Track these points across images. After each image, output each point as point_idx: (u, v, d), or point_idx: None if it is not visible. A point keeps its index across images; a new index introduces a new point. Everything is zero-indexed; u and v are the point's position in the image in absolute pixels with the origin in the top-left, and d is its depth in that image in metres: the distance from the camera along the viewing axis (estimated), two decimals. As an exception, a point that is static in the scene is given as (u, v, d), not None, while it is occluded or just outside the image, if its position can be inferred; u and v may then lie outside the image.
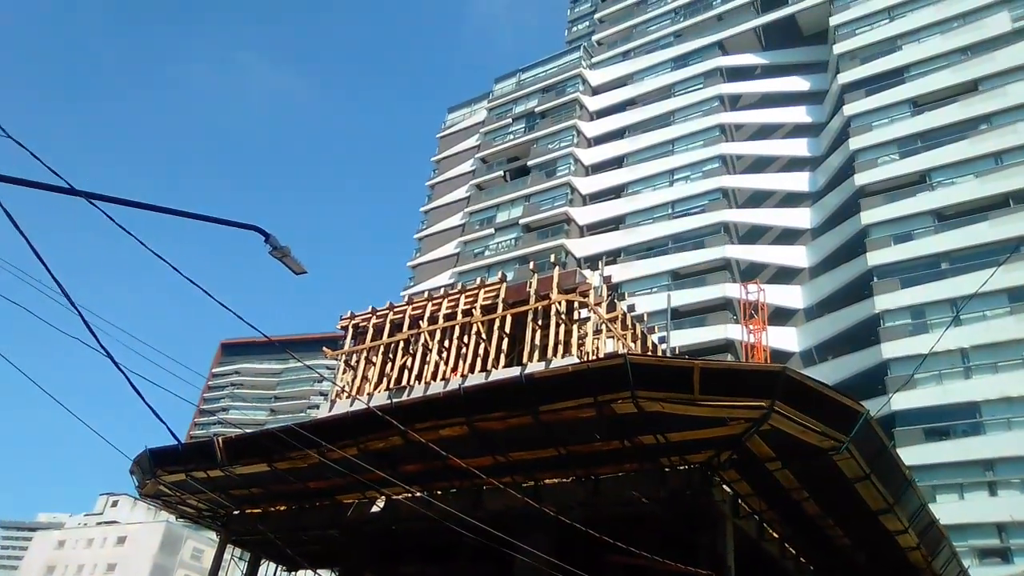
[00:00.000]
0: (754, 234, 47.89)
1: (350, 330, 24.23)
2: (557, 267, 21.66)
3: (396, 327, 23.02)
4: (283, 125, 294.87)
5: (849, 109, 45.19)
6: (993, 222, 37.31)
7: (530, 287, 21.20)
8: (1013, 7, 42.73)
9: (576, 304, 20.69)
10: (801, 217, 46.30)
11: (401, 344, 22.56)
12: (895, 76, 44.96)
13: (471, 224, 58.87)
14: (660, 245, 48.56)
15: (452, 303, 22.38)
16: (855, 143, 43.77)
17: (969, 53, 42.99)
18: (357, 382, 22.37)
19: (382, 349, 22.75)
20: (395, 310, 23.46)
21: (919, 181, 41.00)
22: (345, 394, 21.69)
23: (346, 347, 23.94)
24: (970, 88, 41.99)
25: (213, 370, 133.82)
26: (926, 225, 39.48)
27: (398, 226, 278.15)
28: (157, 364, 11.23)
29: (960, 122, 41.17)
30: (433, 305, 22.70)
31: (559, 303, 20.38)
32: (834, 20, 49.60)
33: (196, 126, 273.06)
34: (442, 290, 23.83)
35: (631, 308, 24.03)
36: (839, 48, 48.11)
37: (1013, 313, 34.68)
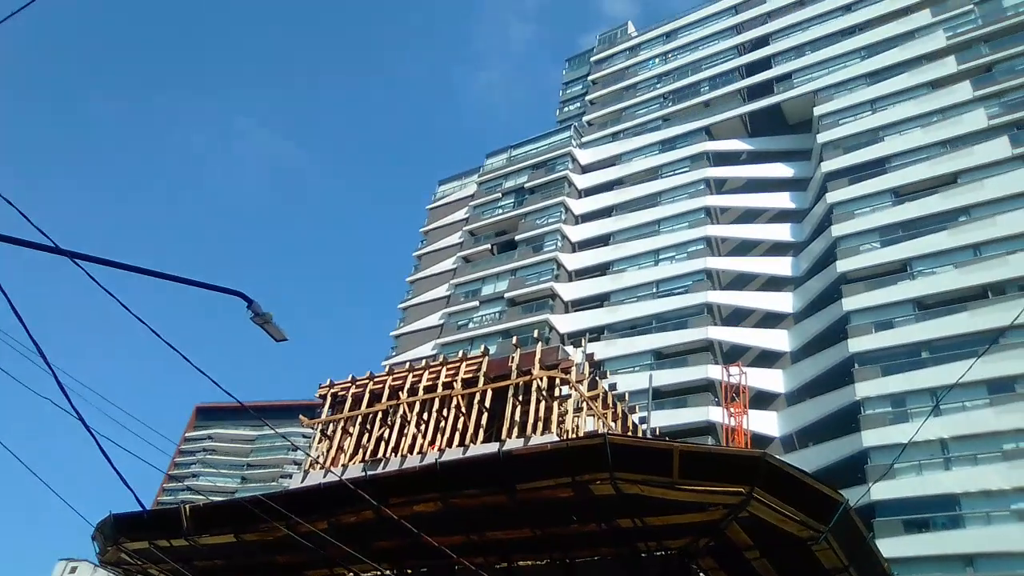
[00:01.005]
0: (737, 316, 48.19)
1: (329, 399, 23.90)
2: (540, 343, 21.59)
3: (375, 397, 22.73)
4: (276, 192, 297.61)
5: (832, 196, 46.16)
6: (973, 312, 37.73)
7: (512, 362, 21.06)
8: (989, 105, 44.25)
9: (558, 381, 20.55)
10: (784, 301, 46.71)
11: (379, 415, 22.24)
12: (877, 166, 46.11)
13: (456, 296, 58.98)
14: (644, 324, 48.72)
15: (433, 375, 22.18)
16: (837, 230, 44.54)
17: (948, 147, 44.26)
18: (332, 452, 21.96)
19: (360, 419, 22.42)
20: (375, 380, 23.21)
21: (900, 269, 41.62)
22: (319, 465, 21.28)
23: (323, 416, 23.58)
24: (949, 180, 43.07)
25: (186, 434, 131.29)
26: (907, 313, 39.89)
27: (383, 295, 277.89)
28: (127, 428, 11.03)
29: (940, 213, 42.07)
30: (414, 376, 22.48)
31: (540, 379, 20.23)
32: (818, 110, 51.12)
33: (192, 191, 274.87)
34: (423, 361, 23.65)
35: (612, 387, 23.91)
36: (823, 137, 49.43)
37: (992, 405, 34.77)
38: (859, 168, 46.57)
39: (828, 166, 47.70)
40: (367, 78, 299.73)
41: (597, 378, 23.05)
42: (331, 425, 23.22)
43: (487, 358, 21.78)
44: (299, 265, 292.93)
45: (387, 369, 24.08)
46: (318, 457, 22.07)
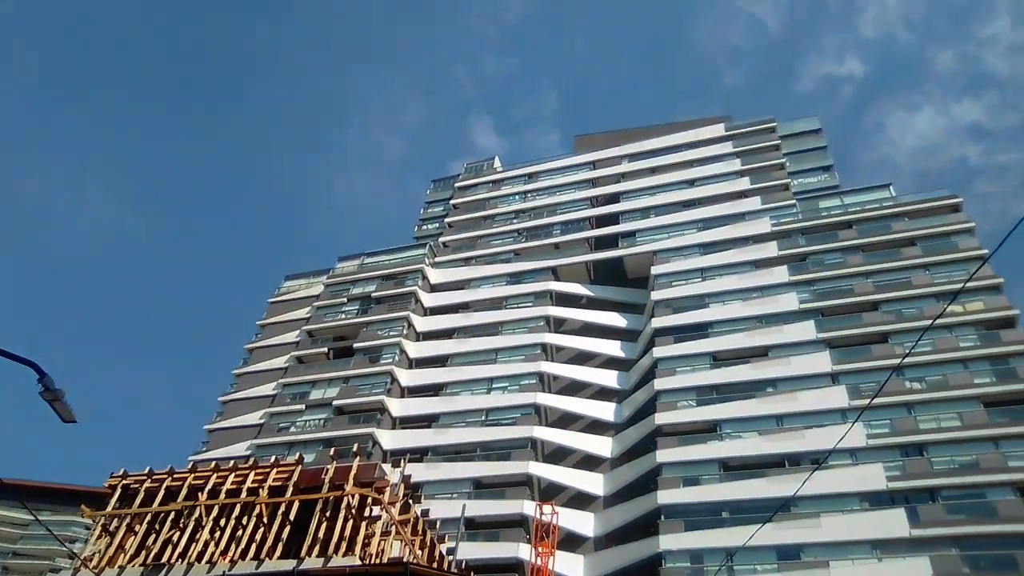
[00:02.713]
0: (559, 454, 49.07)
1: (119, 490, 22.12)
2: (359, 457, 21.15)
3: (171, 495, 21.27)
4: (112, 261, 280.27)
5: (658, 352, 48.95)
6: (771, 479, 40.27)
7: (326, 475, 20.46)
8: (801, 290, 49.19)
9: (370, 500, 20.10)
10: (603, 445, 48.16)
11: (172, 515, 20.77)
12: (700, 329, 49.62)
13: (282, 396, 56.84)
14: (468, 451, 48.66)
15: (239, 478, 21.12)
16: (659, 384, 47.03)
17: (763, 322, 48.43)
18: (111, 551, 20.14)
19: (149, 518, 20.82)
20: (175, 476, 21.79)
21: (711, 429, 44.17)
22: (92, 564, 19.41)
23: (109, 508, 21.71)
24: (761, 353, 46.87)
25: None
26: (712, 472, 42.07)
27: (205, 385, 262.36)
28: None
29: (750, 381, 45.43)
30: (218, 477, 21.31)
31: (352, 496, 19.71)
32: (655, 269, 54.90)
33: (19, 249, 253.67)
34: (232, 462, 22.52)
35: (425, 512, 23.62)
36: (656, 295, 52.90)
37: (780, 570, 36.71)
38: (684, 329, 49.93)
39: (658, 322, 50.84)
40: (232, 161, 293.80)
41: (411, 501, 22.71)
42: (115, 520, 21.41)
43: (300, 467, 21.05)
44: (118, 341, 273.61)
45: (191, 465, 22.74)
46: (93, 555, 20.17)
